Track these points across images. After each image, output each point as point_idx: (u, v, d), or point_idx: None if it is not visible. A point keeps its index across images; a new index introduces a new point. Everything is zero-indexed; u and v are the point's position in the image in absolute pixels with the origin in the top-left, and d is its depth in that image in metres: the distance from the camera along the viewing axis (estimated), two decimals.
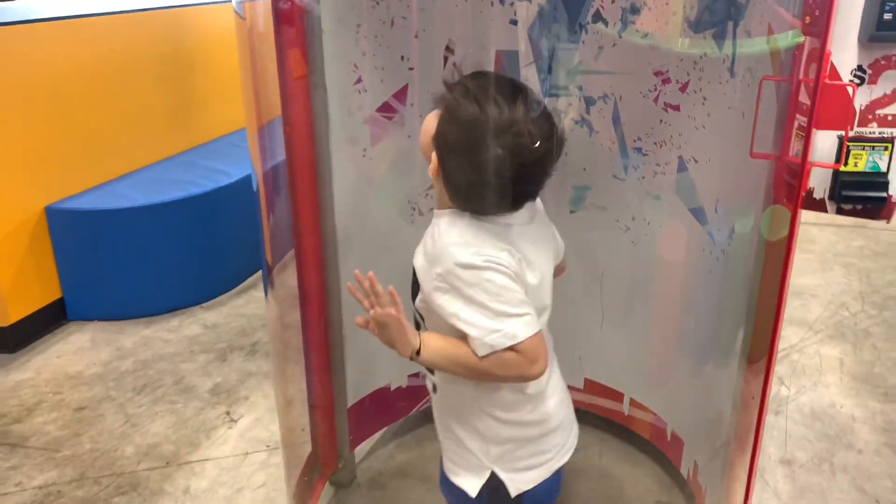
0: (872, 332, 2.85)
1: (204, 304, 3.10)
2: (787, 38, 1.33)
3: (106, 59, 3.09)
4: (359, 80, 1.76)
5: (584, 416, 2.19)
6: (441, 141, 1.10)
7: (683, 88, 1.72)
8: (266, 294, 1.73)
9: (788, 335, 2.83)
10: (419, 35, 1.81)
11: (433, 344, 1.13)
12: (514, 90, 1.09)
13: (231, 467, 2.11)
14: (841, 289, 3.21)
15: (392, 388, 2.12)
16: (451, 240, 1.10)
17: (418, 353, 1.12)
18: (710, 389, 1.80)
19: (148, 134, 3.36)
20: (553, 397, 1.24)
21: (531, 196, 1.17)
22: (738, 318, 1.59)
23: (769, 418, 2.32)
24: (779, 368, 2.61)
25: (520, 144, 1.05)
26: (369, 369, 2.05)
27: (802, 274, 3.37)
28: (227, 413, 2.36)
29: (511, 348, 1.06)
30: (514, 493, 1.21)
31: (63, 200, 2.88)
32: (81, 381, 2.54)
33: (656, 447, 2.08)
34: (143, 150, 3.34)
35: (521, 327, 1.06)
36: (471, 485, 1.23)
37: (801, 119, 1.21)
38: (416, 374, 2.18)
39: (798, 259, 3.43)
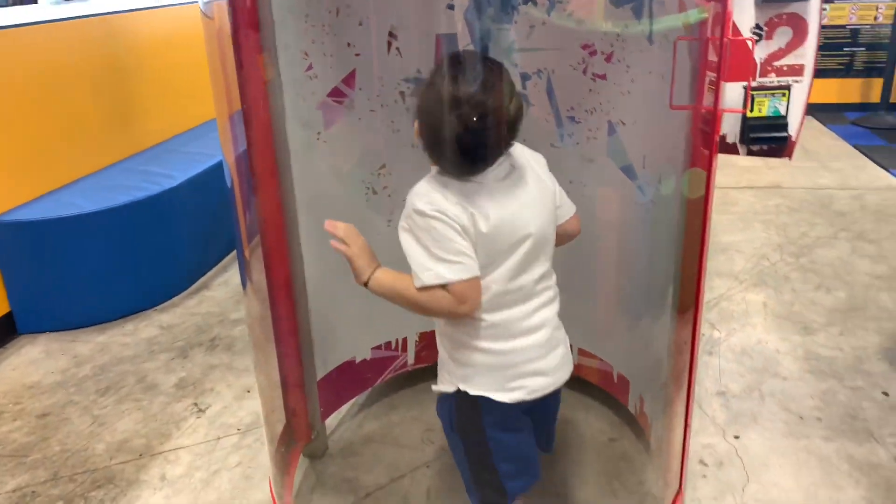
0: (791, 277, 3.13)
1: (158, 307, 3.11)
2: (694, 14, 1.51)
3: (40, 68, 3.06)
4: (309, 67, 1.86)
5: None
6: (416, 110, 1.31)
7: (608, 59, 1.89)
8: (244, 287, 1.80)
9: (717, 286, 3.08)
10: (363, 22, 1.92)
11: (382, 277, 1.34)
12: (473, 66, 1.26)
13: (204, 452, 2.17)
14: (761, 243, 3.49)
15: (357, 361, 2.23)
16: (417, 190, 1.30)
17: (367, 284, 1.34)
18: (649, 334, 1.98)
19: (87, 142, 3.34)
20: (517, 343, 1.37)
21: (486, 159, 1.29)
22: (666, 268, 1.77)
23: (705, 358, 2.54)
24: (710, 315, 2.84)
25: (463, 114, 1.21)
26: (335, 345, 2.15)
27: (727, 232, 3.64)
28: (195, 404, 2.41)
29: (443, 287, 1.26)
30: (473, 390, 1.38)
31: (6, 213, 2.85)
32: (41, 390, 2.54)
33: (605, 391, 2.26)
34: (84, 158, 3.32)
35: (453, 271, 1.26)
36: (445, 388, 1.44)
37: (711, 74, 1.39)
38: (379, 347, 2.30)
39: (722, 219, 3.72)
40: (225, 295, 3.23)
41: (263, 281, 1.84)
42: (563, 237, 1.50)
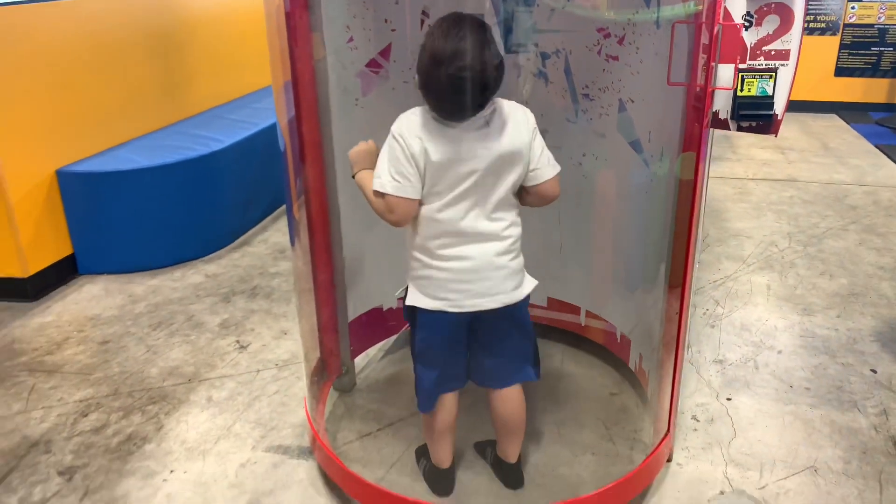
0: (797, 263, 3.28)
1: (204, 258, 3.40)
2: (691, 7, 1.70)
3: (103, 36, 3.35)
4: (350, 40, 2.09)
5: (549, 330, 2.59)
6: (419, 53, 1.55)
7: (621, 41, 2.08)
8: (293, 245, 2.04)
9: (725, 267, 3.25)
10: (400, 1, 2.13)
11: (363, 175, 1.69)
12: (458, 27, 1.48)
13: (246, 381, 2.43)
14: (772, 230, 3.64)
15: (384, 309, 2.46)
16: (402, 115, 1.61)
17: (354, 176, 1.72)
18: (650, 297, 2.18)
19: (143, 106, 3.63)
20: (446, 265, 1.63)
21: (456, 114, 1.53)
22: (664, 241, 1.96)
23: (707, 330, 2.73)
24: (716, 293, 3.02)
25: (440, 74, 1.46)
26: (366, 292, 2.39)
27: (740, 219, 3.79)
28: (237, 341, 2.68)
29: (381, 195, 1.58)
30: (408, 301, 1.70)
31: (72, 164, 3.15)
32: (101, 322, 2.83)
33: (609, 350, 2.46)
34: (140, 120, 3.61)
35: (392, 187, 1.57)
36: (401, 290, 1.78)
37: (705, 56, 1.58)
38: (403, 299, 2.52)
39: (736, 208, 3.87)
40: (264, 251, 3.50)
41: (307, 237, 2.07)
42: (536, 198, 1.68)
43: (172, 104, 3.89)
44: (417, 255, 1.68)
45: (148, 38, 3.66)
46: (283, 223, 3.84)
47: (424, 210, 1.62)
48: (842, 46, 6.02)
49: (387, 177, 1.58)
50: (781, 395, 2.35)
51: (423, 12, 2.16)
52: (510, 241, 1.67)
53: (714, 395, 2.35)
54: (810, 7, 6.00)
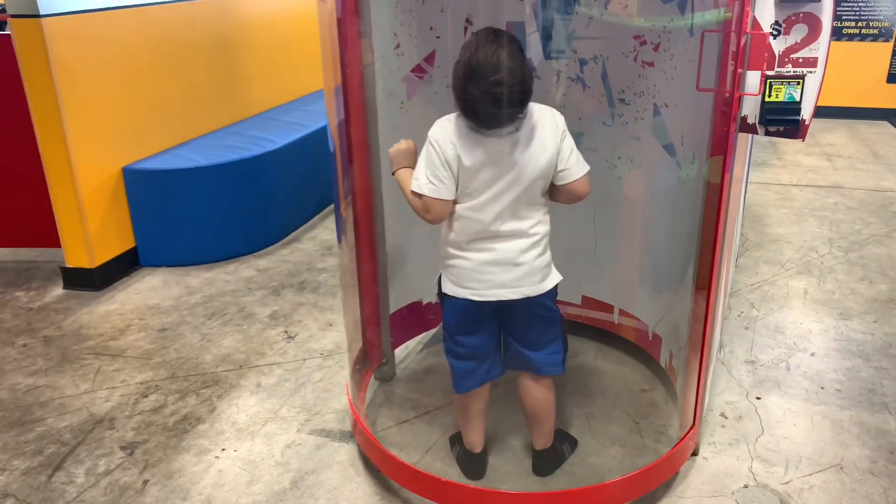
0: (836, 269, 3.28)
1: (256, 254, 3.58)
2: (721, 13, 1.77)
3: (166, 40, 3.56)
4: (397, 46, 2.21)
5: (582, 327, 2.67)
6: (454, 65, 1.68)
7: (656, 48, 2.16)
8: (339, 241, 2.18)
9: (763, 271, 3.27)
10: (444, 10, 2.25)
11: (403, 173, 1.82)
12: (490, 43, 1.59)
13: (293, 369, 2.58)
14: (813, 236, 3.64)
15: (424, 303, 2.58)
16: (438, 121, 1.74)
17: (393, 174, 1.85)
18: (680, 298, 2.24)
19: (201, 108, 3.84)
20: (472, 256, 1.76)
21: (486, 125, 1.64)
22: (693, 243, 2.02)
23: (740, 331, 2.77)
24: (751, 296, 3.05)
25: (471, 89, 1.59)
26: (407, 287, 2.51)
27: (781, 224, 3.79)
28: (286, 332, 2.83)
29: (419, 196, 1.71)
30: (441, 289, 1.85)
31: (137, 162, 3.36)
32: (160, 311, 3.02)
33: (641, 348, 2.53)
34: (198, 121, 3.82)
35: (428, 188, 1.70)
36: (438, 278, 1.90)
37: (734, 63, 1.65)
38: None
39: (778, 213, 3.88)
40: (313, 248, 3.66)
41: (353, 234, 2.20)
42: (567, 196, 1.78)
43: (229, 106, 4.09)
44: (449, 248, 1.80)
45: (207, 42, 3.87)
46: (331, 221, 4.00)
47: (458, 208, 1.75)
48: (895, 53, 5.91)
49: (424, 179, 1.71)
50: (812, 395, 2.38)
51: (467, 20, 2.27)
52: (536, 237, 1.77)
53: (744, 393, 2.40)
54: (862, 13, 5.91)
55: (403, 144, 1.87)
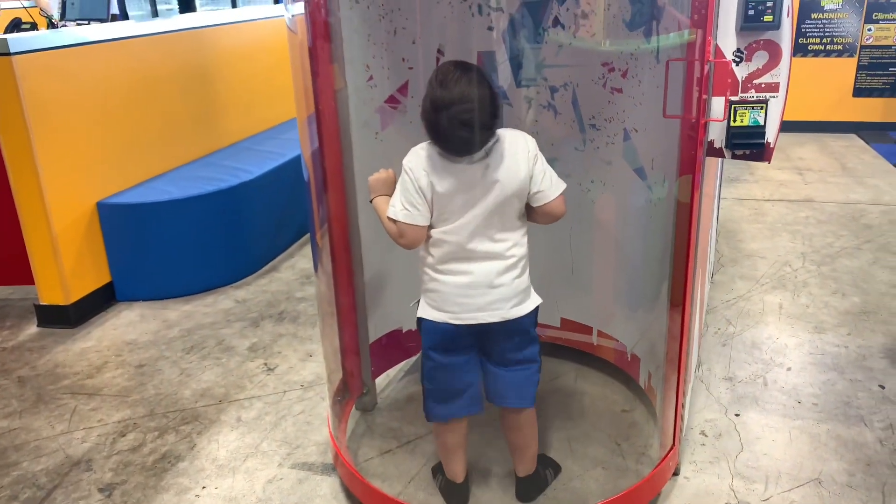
0: (809, 282, 3.34)
1: (234, 284, 3.56)
2: (685, 35, 1.81)
3: (141, 74, 3.56)
4: (370, 78, 2.24)
5: (562, 349, 2.69)
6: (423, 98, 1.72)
7: (624, 75, 2.20)
8: (316, 270, 2.19)
9: (738, 287, 3.32)
10: (416, 41, 2.28)
11: (380, 201, 1.83)
12: (454, 72, 1.65)
13: (273, 402, 2.56)
14: (786, 251, 3.70)
15: (404, 331, 2.58)
16: (412, 149, 1.77)
17: (371, 201, 1.87)
18: (655, 317, 2.27)
19: (177, 139, 3.83)
20: (449, 280, 1.78)
21: (455, 154, 1.68)
22: (665, 264, 2.06)
23: (717, 348, 2.80)
24: (727, 313, 3.09)
25: (439, 120, 1.63)
26: (386, 315, 2.51)
27: (754, 240, 3.85)
28: (265, 364, 2.82)
29: (394, 221, 1.74)
30: (418, 313, 1.85)
31: (112, 196, 3.35)
32: (137, 346, 2.99)
33: (619, 368, 2.55)
34: (174, 153, 3.81)
35: (402, 214, 1.73)
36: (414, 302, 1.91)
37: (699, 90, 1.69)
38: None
39: (751, 228, 3.94)
40: (291, 277, 3.65)
41: (330, 263, 2.21)
42: (544, 217, 1.81)
43: (205, 137, 4.09)
44: (427, 270, 1.83)
45: (182, 74, 3.88)
46: (309, 249, 3.99)
47: (434, 233, 1.78)
48: (859, 67, 6.06)
49: (399, 206, 1.75)
50: (789, 410, 2.41)
51: (439, 50, 2.30)
52: (513, 259, 1.79)
53: (723, 411, 2.42)
54: (826, 30, 6.06)
55: (383, 173, 1.89)
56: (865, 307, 3.09)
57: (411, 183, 1.73)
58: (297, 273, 3.69)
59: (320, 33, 1.99)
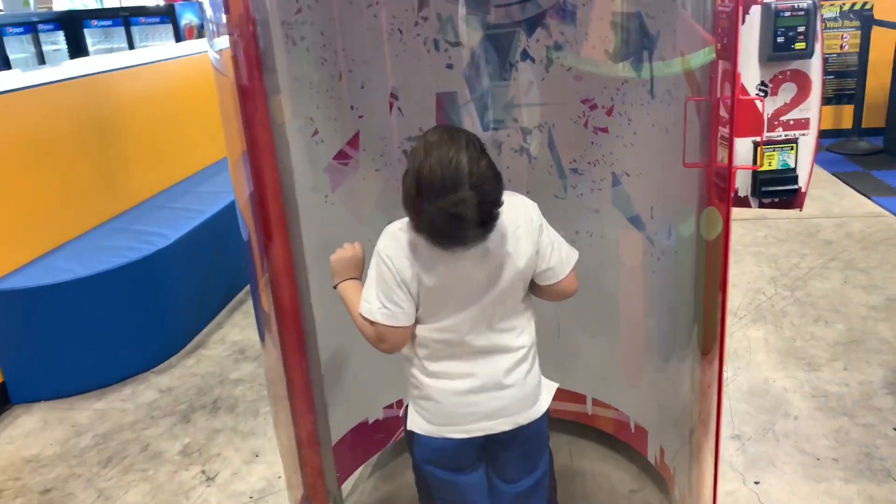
0: (788, 311, 3.16)
1: (155, 369, 3.05)
2: (699, 57, 1.53)
3: (27, 133, 3.04)
4: (315, 133, 1.86)
5: (552, 421, 2.34)
6: (403, 175, 1.36)
7: (609, 112, 1.92)
8: (262, 339, 1.79)
9: None
10: (365, 85, 1.93)
11: (348, 288, 1.51)
12: (444, 144, 1.28)
13: None
14: (755, 276, 3.53)
15: (370, 422, 2.19)
16: (389, 228, 1.43)
17: (335, 287, 1.53)
18: (667, 380, 1.99)
19: (76, 203, 3.30)
20: (447, 386, 1.44)
21: (444, 246, 1.33)
22: (685, 313, 1.79)
23: None
24: None
25: (428, 211, 1.27)
26: (348, 406, 2.12)
27: None
28: (203, 472, 2.35)
29: (370, 321, 1.39)
30: (408, 425, 1.50)
31: None
32: (41, 464, 2.46)
33: (621, 440, 2.25)
34: (74, 219, 3.28)
35: (381, 314, 1.38)
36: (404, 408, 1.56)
37: (724, 130, 1.41)
38: (391, 406, 2.26)
39: None
40: (223, 353, 3.18)
41: (277, 328, 1.80)
42: (552, 296, 1.51)
43: (109, 197, 3.56)
44: (415, 373, 1.48)
45: (78, 129, 3.36)
46: (239, 317, 3.52)
47: (422, 330, 1.43)
48: None
49: (376, 303, 1.40)
50: (810, 470, 2.17)
51: (392, 95, 1.96)
52: (522, 351, 1.46)
53: (740, 479, 2.15)
54: None
55: (348, 250, 1.55)
56: (852, 335, 2.92)
57: (391, 275, 1.38)
58: (228, 348, 3.22)
59: (253, 65, 1.59)
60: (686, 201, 1.68)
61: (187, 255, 3.27)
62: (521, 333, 1.46)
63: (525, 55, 1.95)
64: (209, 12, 1.65)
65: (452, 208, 1.26)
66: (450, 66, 1.97)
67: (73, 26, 6.78)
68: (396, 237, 1.40)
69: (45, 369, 2.86)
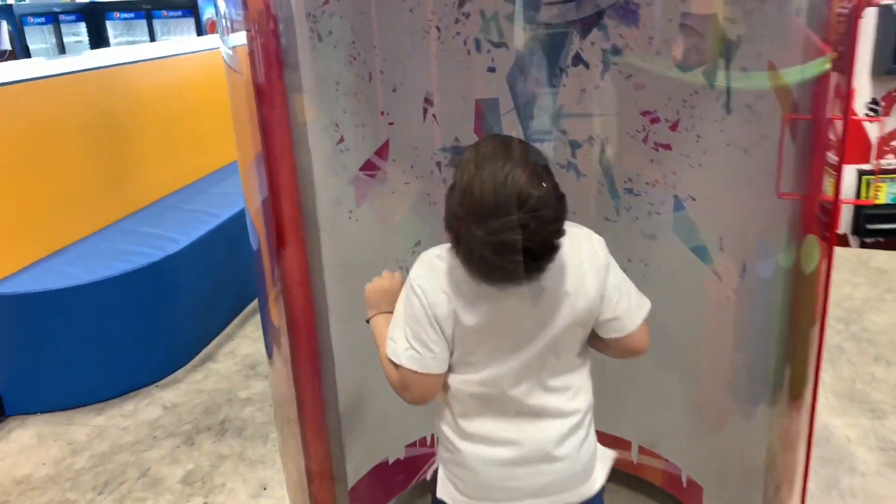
0: (844, 347, 2.90)
1: (160, 383, 2.86)
2: (809, 69, 1.29)
3: (32, 128, 2.86)
4: (341, 140, 1.66)
5: None
6: (446, 196, 1.14)
7: (674, 127, 1.69)
8: (270, 357, 1.59)
9: None
10: (397, 88, 1.72)
11: (379, 323, 1.29)
12: (499, 159, 1.07)
13: None
14: None
15: (391, 462, 1.98)
16: (426, 255, 1.21)
17: (368, 321, 1.34)
18: (730, 432, 1.76)
19: (82, 202, 3.13)
20: (485, 452, 1.21)
21: (495, 283, 1.11)
22: (758, 354, 1.56)
23: None
24: None
25: (472, 218, 1.05)
26: (368, 445, 1.91)
27: None
28: (205, 503, 2.16)
29: (395, 364, 1.18)
30: (438, 492, 1.27)
31: None
32: (32, 486, 2.27)
33: (670, 494, 2.01)
34: (79, 220, 3.10)
35: (408, 357, 1.17)
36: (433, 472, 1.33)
37: (831, 157, 1.18)
38: (414, 444, 2.05)
39: None
40: (232, 367, 2.98)
41: (289, 345, 1.59)
42: (617, 351, 1.27)
43: (118, 196, 3.39)
44: (446, 431, 1.26)
45: (87, 122, 3.19)
46: (251, 328, 3.33)
47: (456, 381, 1.21)
48: None
49: (402, 342, 1.18)
50: None
51: (427, 100, 1.75)
52: (577, 416, 1.23)
53: None
54: None
55: (385, 281, 1.35)
56: None
57: (423, 311, 1.16)
58: (238, 362, 3.02)
59: (272, 62, 1.38)
60: (768, 233, 1.46)
61: (198, 261, 3.08)
62: (577, 394, 1.23)
63: (578, 59, 1.73)
64: (222, 7, 1.46)
65: (504, 235, 1.04)
66: (492, 70, 1.76)
67: (95, 18, 6.68)
68: (433, 266, 1.18)
69: (42, 380, 2.68)
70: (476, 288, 1.13)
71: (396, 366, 1.19)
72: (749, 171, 1.53)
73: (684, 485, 1.93)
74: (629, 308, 1.22)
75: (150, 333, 2.85)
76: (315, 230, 1.61)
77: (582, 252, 1.19)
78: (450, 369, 1.21)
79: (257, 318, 3.40)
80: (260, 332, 3.22)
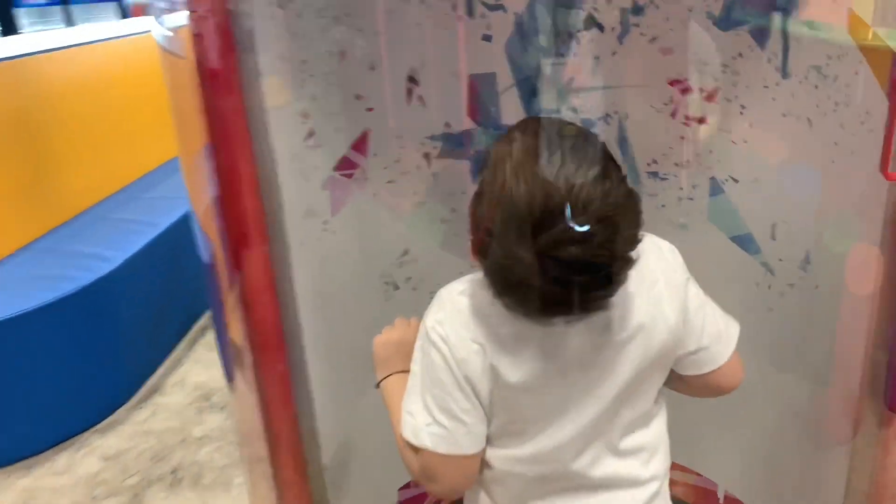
0: None
1: (98, 427, 2.46)
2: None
3: None
4: (310, 135, 1.32)
5: None
6: (473, 209, 0.84)
7: (711, 98, 1.42)
8: (230, 381, 1.28)
9: None
10: (375, 66, 1.40)
11: (391, 389, 1.02)
12: (551, 148, 0.77)
13: None
14: None
15: None
16: (444, 295, 0.91)
17: (377, 385, 1.06)
18: (783, 443, 1.53)
19: None
20: None
21: (559, 308, 0.80)
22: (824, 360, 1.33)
23: None
24: None
25: (516, 231, 0.75)
26: (353, 494, 1.60)
27: None
28: None
29: (414, 448, 0.89)
30: None
31: None
32: None
33: None
34: None
35: (429, 434, 0.88)
36: None
37: None
38: (407, 486, 1.75)
39: None
40: (183, 400, 2.60)
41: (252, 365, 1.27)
42: (702, 390, 1.01)
43: (35, 210, 2.94)
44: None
45: None
46: (201, 350, 2.95)
47: (495, 457, 0.92)
48: None
49: (422, 416, 0.89)
50: None
51: (411, 78, 1.43)
52: (655, 484, 0.96)
53: None
54: None
55: (397, 330, 1.07)
56: None
57: (448, 369, 0.87)
58: (189, 393, 2.64)
59: (224, 42, 1.04)
60: (846, 218, 1.21)
61: (137, 281, 2.68)
62: (654, 455, 0.95)
63: (591, 22, 1.45)
64: None
65: (561, 252, 0.74)
66: (487, 38, 1.46)
67: (2, 4, 6.03)
68: (457, 306, 0.88)
69: None
70: (519, 329, 0.84)
71: (416, 449, 0.89)
72: (813, 146, 1.27)
73: (720, 502, 1.70)
74: (718, 335, 0.95)
75: (84, 370, 2.45)
76: (283, 232, 1.27)
77: (654, 267, 0.90)
78: (488, 443, 0.91)
79: (208, 338, 3.01)
80: (212, 355, 2.86)
